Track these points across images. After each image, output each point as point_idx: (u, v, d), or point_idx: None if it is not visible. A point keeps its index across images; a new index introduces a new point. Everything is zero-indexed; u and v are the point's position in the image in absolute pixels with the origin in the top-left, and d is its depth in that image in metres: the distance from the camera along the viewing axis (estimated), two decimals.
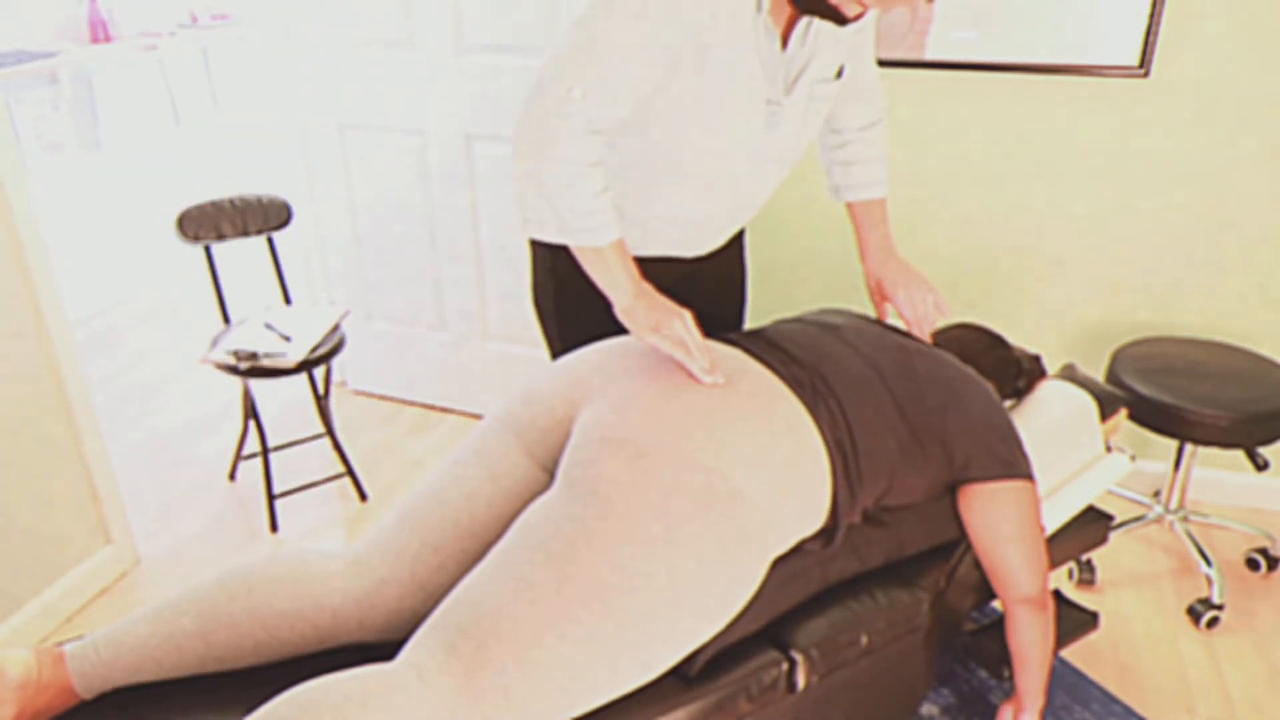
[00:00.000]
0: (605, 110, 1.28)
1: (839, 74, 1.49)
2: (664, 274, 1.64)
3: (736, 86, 1.33)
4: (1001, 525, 1.40)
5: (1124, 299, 2.41)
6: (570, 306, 1.63)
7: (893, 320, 2.63)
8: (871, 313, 2.62)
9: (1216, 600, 2.07)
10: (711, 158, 1.42)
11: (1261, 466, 2.05)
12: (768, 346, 1.38)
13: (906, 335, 1.50)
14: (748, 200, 1.54)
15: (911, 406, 1.37)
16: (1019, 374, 1.71)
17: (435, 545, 1.27)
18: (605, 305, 1.62)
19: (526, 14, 2.41)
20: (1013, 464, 1.40)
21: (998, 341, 1.70)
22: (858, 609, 1.39)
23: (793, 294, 2.68)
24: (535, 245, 1.64)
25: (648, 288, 1.37)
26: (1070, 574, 2.24)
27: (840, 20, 1.29)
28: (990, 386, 1.68)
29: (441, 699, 1.06)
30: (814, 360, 1.36)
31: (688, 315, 1.31)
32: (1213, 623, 2.07)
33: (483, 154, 2.64)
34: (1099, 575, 2.26)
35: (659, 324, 1.30)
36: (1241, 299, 2.33)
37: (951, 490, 1.45)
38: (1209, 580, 2.10)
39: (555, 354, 1.71)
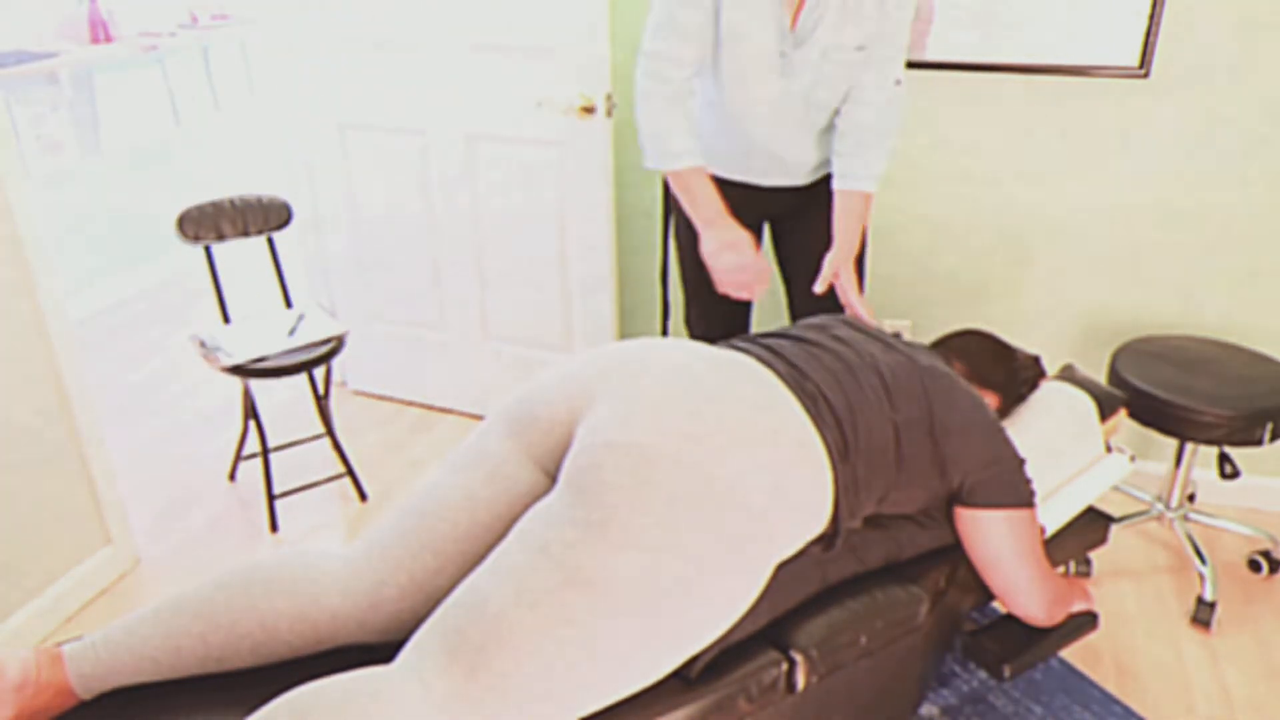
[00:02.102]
0: (679, 52, 1.73)
1: (860, 48, 1.76)
2: (741, 197, 2.01)
3: (751, 39, 1.73)
4: (999, 549, 1.41)
5: (1124, 298, 2.41)
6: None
7: (892, 325, 2.63)
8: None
9: (1209, 597, 2.07)
10: (739, 91, 1.81)
11: (1230, 475, 2.05)
12: (774, 355, 1.38)
13: (910, 348, 1.49)
14: (784, 138, 1.88)
15: (913, 424, 1.37)
16: (1023, 383, 1.71)
17: (434, 547, 1.27)
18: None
19: (527, 14, 2.41)
20: (1010, 492, 1.40)
21: (1006, 351, 1.69)
22: (857, 609, 1.39)
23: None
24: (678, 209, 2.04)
25: (727, 217, 1.78)
26: (1067, 571, 2.24)
27: None
28: (991, 402, 1.67)
29: (440, 702, 1.05)
30: (818, 370, 1.36)
31: (749, 239, 1.74)
32: (1209, 622, 2.07)
33: (483, 154, 2.64)
34: (1099, 576, 2.26)
35: (732, 243, 1.73)
36: (1242, 297, 2.33)
37: (950, 503, 1.45)
38: (1201, 577, 2.09)
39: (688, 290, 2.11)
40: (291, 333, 2.38)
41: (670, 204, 2.11)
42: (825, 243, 1.99)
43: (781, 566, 1.35)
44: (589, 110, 2.41)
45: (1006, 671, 1.50)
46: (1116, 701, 1.87)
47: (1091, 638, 2.06)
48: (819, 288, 1.86)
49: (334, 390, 3.19)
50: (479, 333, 2.89)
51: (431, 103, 2.63)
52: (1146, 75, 2.17)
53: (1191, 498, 2.48)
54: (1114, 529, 2.43)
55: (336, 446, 2.53)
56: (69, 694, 1.23)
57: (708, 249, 1.76)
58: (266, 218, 2.45)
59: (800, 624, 1.36)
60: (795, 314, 2.11)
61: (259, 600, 1.24)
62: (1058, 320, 2.49)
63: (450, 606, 1.13)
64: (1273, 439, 1.96)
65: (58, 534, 2.10)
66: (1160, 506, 2.27)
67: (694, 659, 1.26)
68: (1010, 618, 1.56)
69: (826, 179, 2.02)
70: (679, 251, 2.09)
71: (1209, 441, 1.96)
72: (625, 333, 2.93)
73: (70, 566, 2.14)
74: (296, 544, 2.40)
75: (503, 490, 1.29)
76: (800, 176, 1.98)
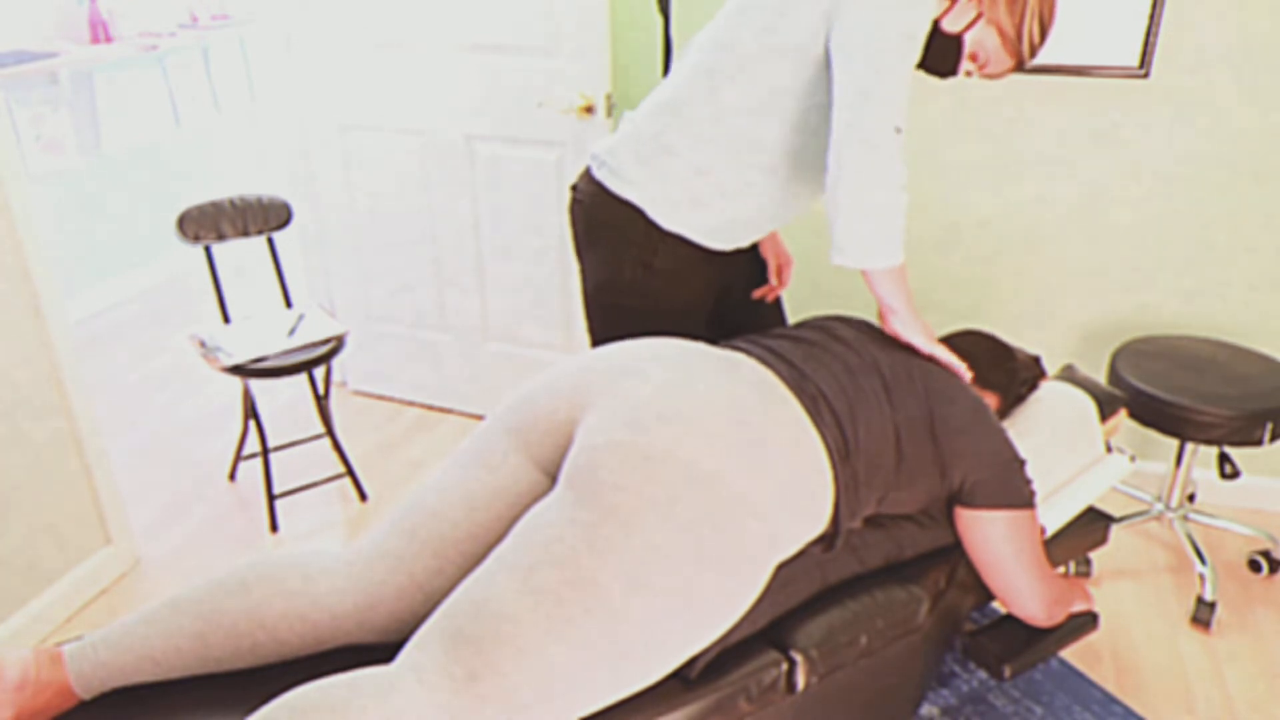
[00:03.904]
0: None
1: None
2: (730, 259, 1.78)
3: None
4: (999, 550, 1.41)
5: (1124, 299, 2.41)
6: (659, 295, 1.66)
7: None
8: (874, 317, 2.62)
9: (1209, 597, 2.07)
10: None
11: (1230, 475, 2.05)
12: (774, 355, 1.38)
13: (910, 349, 1.48)
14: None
15: (913, 424, 1.37)
16: (1023, 383, 1.71)
17: (434, 547, 1.27)
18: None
19: (526, 14, 2.41)
20: (1010, 493, 1.40)
21: (1006, 352, 1.69)
22: (857, 609, 1.39)
23: (800, 295, 2.68)
24: (627, 240, 1.62)
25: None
26: (1067, 571, 2.24)
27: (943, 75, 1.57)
28: (991, 402, 1.67)
29: (441, 702, 1.05)
30: (818, 370, 1.35)
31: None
32: (1209, 622, 2.07)
33: (483, 154, 2.64)
34: (1100, 576, 2.26)
35: (931, 333, 1.48)
36: (1241, 297, 2.33)
37: (950, 503, 1.45)
38: (1201, 578, 2.09)
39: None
40: (291, 333, 2.38)
41: (596, 239, 1.66)
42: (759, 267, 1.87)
43: (781, 566, 1.36)
44: (589, 110, 2.41)
45: (1006, 671, 1.50)
46: (1116, 701, 1.87)
47: (1091, 638, 2.06)
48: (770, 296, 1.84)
49: (334, 390, 3.19)
50: (479, 333, 2.89)
51: (431, 103, 2.63)
52: (1146, 75, 2.17)
53: (1191, 498, 2.48)
54: (1114, 529, 2.43)
55: (336, 446, 2.53)
56: (69, 694, 1.23)
57: (921, 332, 1.49)
58: (266, 218, 2.45)
59: (800, 624, 1.36)
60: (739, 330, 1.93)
61: (258, 600, 1.24)
62: (1058, 320, 2.49)
63: (450, 606, 1.13)
64: (1273, 439, 1.96)
65: (57, 534, 2.10)
66: (1160, 506, 2.27)
67: (694, 659, 1.26)
68: (1010, 618, 1.56)
69: None
70: (600, 295, 1.69)
71: (1209, 441, 1.96)
72: None
73: (70, 566, 2.14)
74: (296, 544, 2.40)
75: (503, 491, 1.29)
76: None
